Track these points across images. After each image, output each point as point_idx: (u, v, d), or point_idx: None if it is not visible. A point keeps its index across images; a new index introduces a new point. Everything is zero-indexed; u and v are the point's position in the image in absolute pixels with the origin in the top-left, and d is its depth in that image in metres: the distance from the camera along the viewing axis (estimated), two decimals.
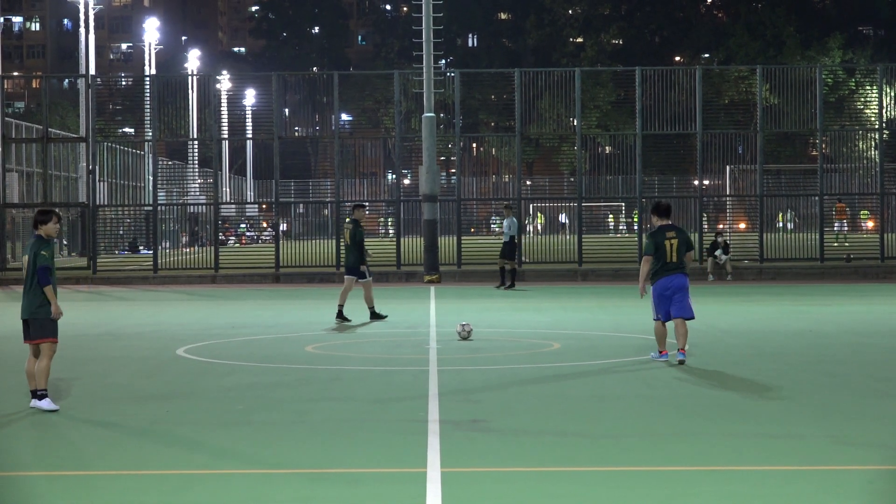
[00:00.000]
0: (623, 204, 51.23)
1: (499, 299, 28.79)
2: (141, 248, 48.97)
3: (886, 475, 9.34)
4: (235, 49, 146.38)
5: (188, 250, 49.32)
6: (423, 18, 36.41)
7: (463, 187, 41.56)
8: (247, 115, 51.74)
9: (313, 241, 42.20)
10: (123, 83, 56.58)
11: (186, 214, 53.62)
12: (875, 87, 43.51)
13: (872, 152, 43.91)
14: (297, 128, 75.84)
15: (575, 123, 41.97)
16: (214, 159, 41.58)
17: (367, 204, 23.59)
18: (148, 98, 39.42)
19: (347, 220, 23.17)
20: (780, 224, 46.37)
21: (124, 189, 51.33)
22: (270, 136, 40.12)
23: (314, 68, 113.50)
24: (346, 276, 22.64)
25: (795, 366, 15.67)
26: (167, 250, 47.41)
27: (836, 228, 43.22)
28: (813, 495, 8.66)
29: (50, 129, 41.68)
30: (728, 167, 45.26)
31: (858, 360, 16.16)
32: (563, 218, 54.79)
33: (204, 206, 43.78)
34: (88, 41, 56.01)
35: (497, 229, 52.93)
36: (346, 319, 22.09)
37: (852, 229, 45.56)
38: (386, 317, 22.48)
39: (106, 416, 12.05)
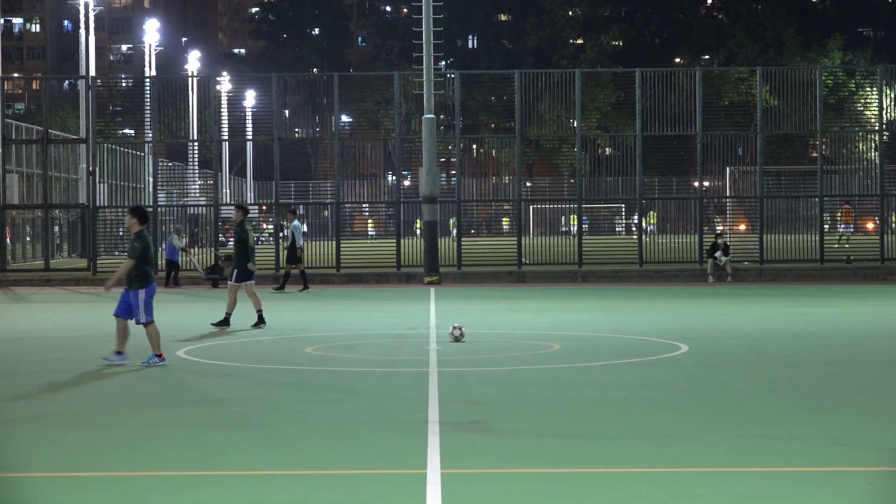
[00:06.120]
0: (623, 205, 51.21)
1: (499, 301, 28.79)
2: None
3: (886, 476, 9.34)
4: (235, 50, 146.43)
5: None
6: (423, 20, 36.41)
7: (463, 188, 41.55)
8: (247, 117, 51.70)
9: (313, 243, 42.18)
10: (123, 84, 56.53)
11: (186, 216, 53.61)
12: (875, 89, 43.53)
13: (872, 154, 43.89)
14: (297, 129, 75.77)
15: (575, 125, 41.98)
16: (214, 160, 41.58)
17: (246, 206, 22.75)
18: (148, 99, 39.42)
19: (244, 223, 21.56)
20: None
21: (124, 190, 51.31)
22: (270, 137, 40.12)
23: (314, 69, 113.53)
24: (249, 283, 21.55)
25: (795, 367, 15.66)
26: None
27: (840, 230, 43.14)
28: (812, 496, 8.66)
29: (50, 131, 41.69)
30: (728, 168, 45.24)
31: (858, 362, 16.16)
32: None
33: (204, 208, 43.78)
34: (88, 42, 56.01)
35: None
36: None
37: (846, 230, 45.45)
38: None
39: (105, 417, 12.05)
